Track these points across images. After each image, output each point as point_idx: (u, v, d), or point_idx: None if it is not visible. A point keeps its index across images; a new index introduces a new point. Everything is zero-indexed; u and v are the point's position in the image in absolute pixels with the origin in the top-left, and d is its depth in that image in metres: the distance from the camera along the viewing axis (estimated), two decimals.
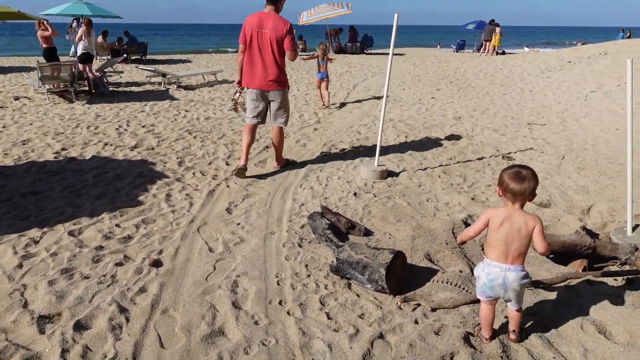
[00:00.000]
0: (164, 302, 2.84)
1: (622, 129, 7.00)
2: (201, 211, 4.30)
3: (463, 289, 3.00)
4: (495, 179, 5.17)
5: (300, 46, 23.83)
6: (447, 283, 3.04)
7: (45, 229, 3.82)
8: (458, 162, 5.89)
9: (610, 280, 3.09)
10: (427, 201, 4.57)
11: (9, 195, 4.61)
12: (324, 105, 9.42)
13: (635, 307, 2.69)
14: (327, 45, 9.39)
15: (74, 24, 17.70)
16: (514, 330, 2.46)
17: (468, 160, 5.94)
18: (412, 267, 3.22)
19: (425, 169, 5.60)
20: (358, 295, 2.95)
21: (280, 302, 2.87)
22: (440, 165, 5.73)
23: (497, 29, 21.99)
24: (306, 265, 3.30)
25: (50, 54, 10.87)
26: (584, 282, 3.02)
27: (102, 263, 3.30)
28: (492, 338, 2.47)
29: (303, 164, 5.77)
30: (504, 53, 23.45)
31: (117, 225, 3.94)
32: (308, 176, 5.32)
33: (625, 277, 3.11)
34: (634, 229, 3.76)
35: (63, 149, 6.23)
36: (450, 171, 5.52)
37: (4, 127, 7.39)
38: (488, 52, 22.46)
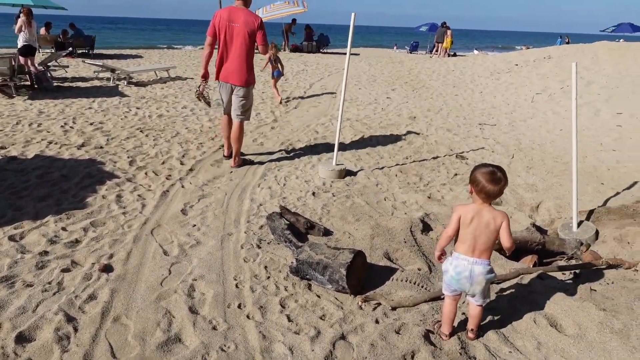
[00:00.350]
0: (116, 310, 2.70)
1: (566, 130, 7.37)
2: (154, 213, 4.13)
3: (422, 287, 3.03)
4: (450, 178, 5.32)
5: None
6: (406, 281, 3.07)
7: None
8: (414, 161, 5.99)
9: (559, 275, 3.23)
10: (385, 200, 4.62)
11: None
12: (281, 102, 9.55)
13: (582, 300, 2.82)
14: (276, 45, 10.13)
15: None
16: (472, 329, 2.50)
17: (423, 160, 6.06)
18: (371, 266, 3.23)
19: (382, 168, 5.66)
20: (319, 296, 2.92)
21: (239, 306, 2.80)
22: (396, 165, 5.81)
23: (449, 32, 22.63)
24: (265, 267, 3.24)
25: None
26: (536, 277, 3.13)
27: (47, 269, 3.10)
28: (451, 335, 2.52)
29: (261, 163, 5.69)
30: (455, 55, 24.18)
31: (64, 229, 3.71)
32: (266, 175, 5.25)
33: (572, 271, 3.26)
34: (578, 224, 3.96)
35: (2, 148, 5.83)
36: (407, 170, 5.61)
37: None
38: (440, 54, 23.08)
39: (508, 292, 2.98)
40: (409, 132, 7.45)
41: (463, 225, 2.32)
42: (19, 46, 10.40)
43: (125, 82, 11.06)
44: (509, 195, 4.83)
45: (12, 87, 9.30)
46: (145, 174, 5.13)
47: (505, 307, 2.80)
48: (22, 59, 10.18)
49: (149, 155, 5.78)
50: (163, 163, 5.53)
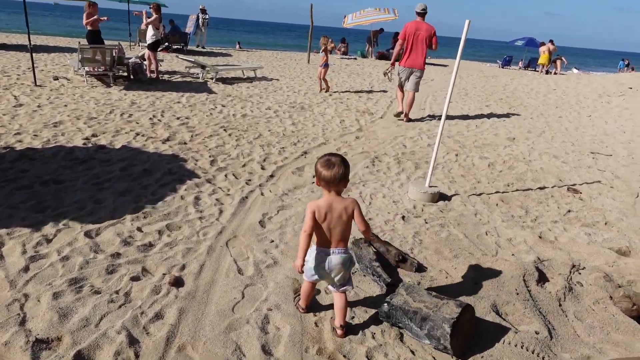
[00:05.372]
0: (182, 336, 2.39)
1: None
2: (231, 221, 3.85)
3: (542, 358, 2.44)
4: (562, 215, 4.60)
5: (342, 49, 23.35)
6: (522, 347, 2.49)
7: (60, 226, 3.45)
8: (517, 189, 5.27)
9: None
10: (487, 234, 4.00)
11: (30, 181, 4.30)
12: (322, 89, 10.94)
13: None
14: (329, 38, 11.01)
15: (200, 15, 18.72)
16: (341, 326, 2.46)
17: (528, 189, 5.32)
18: (477, 321, 2.68)
19: (480, 194, 5.02)
20: (413, 353, 2.42)
21: (318, 352, 2.38)
22: (496, 192, 5.13)
23: (552, 47, 20.99)
24: (349, 303, 2.80)
25: (94, 37, 10.71)
26: None
27: (116, 275, 2.88)
28: (308, 310, 2.65)
29: None
30: (548, 73, 22.39)
31: (139, 229, 3.53)
32: (350, 191, 4.83)
33: None
34: None
35: (93, 135, 5.93)
36: (509, 200, 4.92)
37: (38, 106, 7.19)
38: (554, 71, 21.54)
39: None
40: (508, 155, 6.69)
41: (318, 220, 2.33)
42: (149, 41, 10.71)
43: (214, 79, 11.21)
44: (639, 244, 4.01)
45: (110, 76, 9.71)
46: (225, 176, 4.91)
47: None
48: (150, 53, 10.55)
49: (230, 156, 5.59)
50: (244, 166, 5.30)
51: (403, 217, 4.20)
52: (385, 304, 2.57)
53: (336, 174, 2.26)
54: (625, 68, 29.79)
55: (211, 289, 2.84)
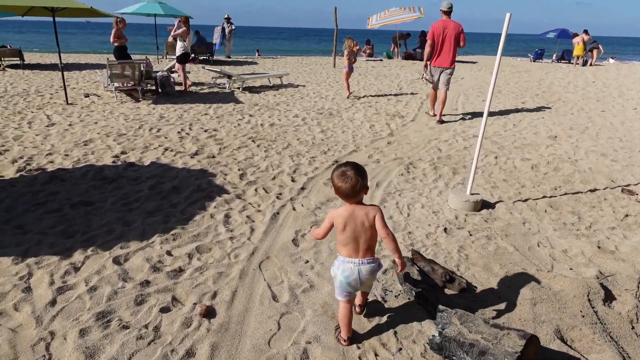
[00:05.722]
0: None
1: None
2: (264, 240, 3.67)
3: None
4: (619, 220, 4.22)
5: (368, 51, 23.06)
6: None
7: (89, 252, 3.34)
8: (566, 193, 4.90)
9: None
10: (539, 246, 3.68)
11: (60, 204, 4.24)
12: (350, 95, 10.52)
13: None
14: (353, 39, 10.33)
15: (225, 25, 18.87)
16: (359, 305, 2.66)
17: (578, 192, 4.94)
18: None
19: (526, 200, 4.68)
20: None
21: None
22: (543, 197, 4.78)
23: (587, 37, 20.11)
24: (395, 332, 2.56)
25: (120, 52, 10.85)
26: None
27: (145, 306, 2.73)
28: (351, 340, 2.45)
29: (378, 185, 5.03)
30: (585, 64, 21.45)
31: (168, 253, 3.38)
32: (386, 202, 4.57)
33: None
34: None
35: (123, 152, 5.89)
36: (559, 205, 4.56)
37: (70, 125, 7.25)
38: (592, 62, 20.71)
39: None
40: (552, 155, 6.28)
41: (339, 231, 2.29)
42: (177, 54, 10.77)
43: (240, 89, 11.15)
44: None
45: (139, 91, 9.77)
46: (255, 190, 4.75)
47: None
48: (180, 67, 10.63)
49: (259, 169, 5.43)
50: (274, 178, 5.13)
51: (445, 229, 3.92)
52: (437, 335, 2.32)
53: (353, 186, 2.20)
54: None
55: (245, 319, 2.65)
